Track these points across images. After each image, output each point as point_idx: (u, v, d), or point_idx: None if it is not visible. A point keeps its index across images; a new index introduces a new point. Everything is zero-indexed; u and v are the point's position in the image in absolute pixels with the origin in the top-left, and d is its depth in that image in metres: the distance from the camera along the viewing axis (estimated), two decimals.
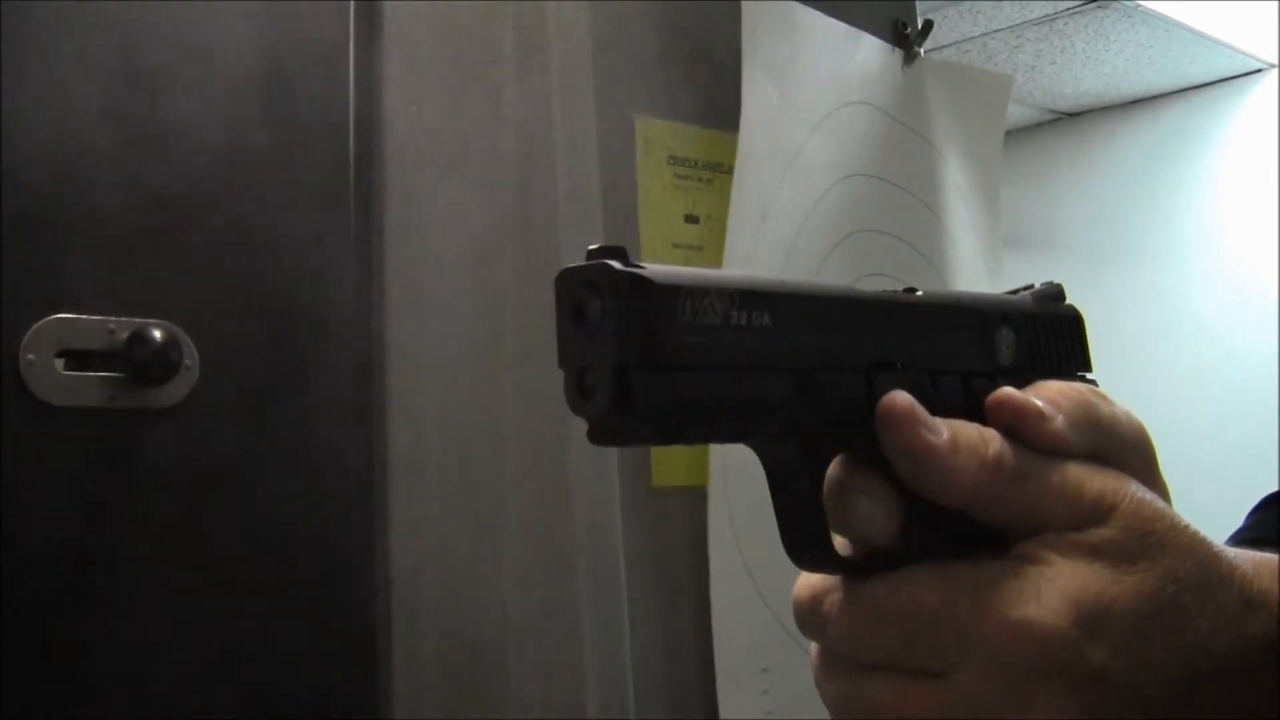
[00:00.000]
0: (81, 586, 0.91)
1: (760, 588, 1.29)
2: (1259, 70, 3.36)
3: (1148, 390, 3.18)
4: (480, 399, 1.13)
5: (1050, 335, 0.47)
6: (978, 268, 1.65)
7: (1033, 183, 3.63)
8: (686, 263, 1.33)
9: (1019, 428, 0.42)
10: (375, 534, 1.06)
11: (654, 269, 0.36)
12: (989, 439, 0.41)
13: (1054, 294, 0.48)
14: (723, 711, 1.25)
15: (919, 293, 0.44)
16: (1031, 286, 0.48)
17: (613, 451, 1.19)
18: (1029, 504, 0.41)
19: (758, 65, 1.33)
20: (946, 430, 0.40)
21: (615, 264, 0.36)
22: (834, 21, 1.45)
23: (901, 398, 0.40)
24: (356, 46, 1.09)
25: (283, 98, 1.04)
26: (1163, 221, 3.50)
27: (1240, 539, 0.64)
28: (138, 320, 0.94)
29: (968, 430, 0.41)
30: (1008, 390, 0.43)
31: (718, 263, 1.32)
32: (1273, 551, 0.44)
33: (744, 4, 1.33)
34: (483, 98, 1.17)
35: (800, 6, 1.40)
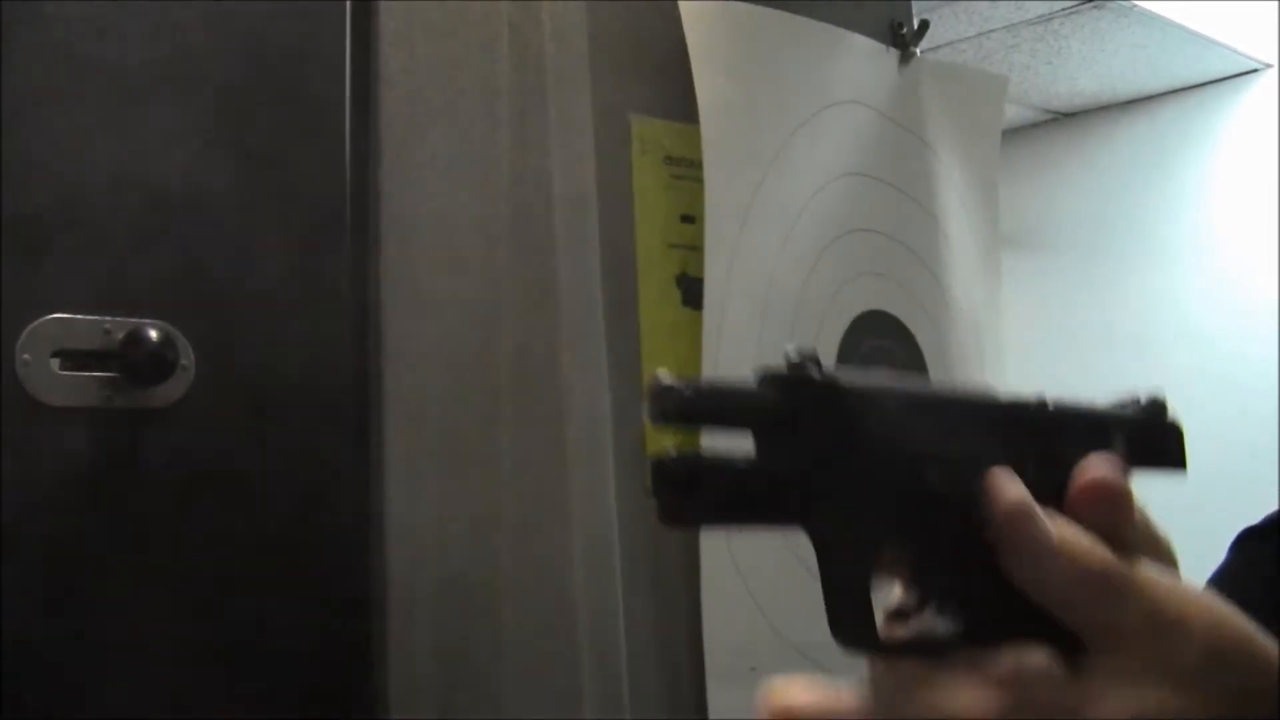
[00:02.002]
0: (79, 586, 0.91)
1: (750, 587, 1.29)
2: (1256, 70, 3.37)
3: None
4: (477, 400, 1.13)
5: (1156, 445, 0.51)
6: (975, 268, 1.65)
7: (1028, 183, 3.63)
8: (682, 261, 1.33)
9: (1117, 517, 0.42)
10: (372, 534, 1.06)
11: (845, 376, 0.42)
12: (1093, 550, 0.41)
13: (1160, 407, 0.52)
14: (711, 710, 1.25)
15: (1049, 405, 0.48)
16: (1138, 400, 0.52)
17: (609, 452, 1.19)
18: (1114, 622, 0.40)
19: (708, 64, 1.32)
20: (1055, 530, 0.41)
21: (814, 372, 0.41)
22: (807, 21, 1.44)
23: (1020, 490, 0.41)
24: (353, 46, 1.09)
25: (280, 98, 1.04)
26: (1159, 222, 3.50)
27: (1222, 578, 0.65)
28: (134, 320, 0.94)
29: (1078, 538, 0.41)
30: (1106, 470, 0.43)
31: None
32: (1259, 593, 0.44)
33: (682, 5, 1.31)
34: (478, 97, 1.17)
35: (750, 7, 1.38)
